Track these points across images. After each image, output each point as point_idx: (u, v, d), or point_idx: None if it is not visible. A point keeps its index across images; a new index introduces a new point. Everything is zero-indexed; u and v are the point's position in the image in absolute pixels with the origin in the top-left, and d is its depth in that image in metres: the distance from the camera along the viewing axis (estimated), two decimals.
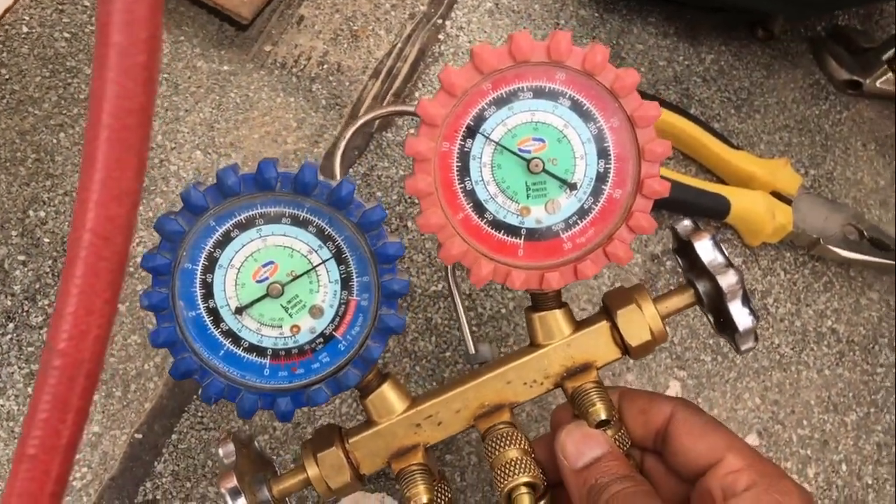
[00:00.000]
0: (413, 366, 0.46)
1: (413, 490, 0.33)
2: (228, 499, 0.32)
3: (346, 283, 0.32)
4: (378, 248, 0.31)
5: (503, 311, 0.47)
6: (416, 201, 0.50)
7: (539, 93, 0.32)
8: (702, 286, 0.35)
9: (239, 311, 0.32)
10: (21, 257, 0.44)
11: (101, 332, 0.20)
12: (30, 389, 0.42)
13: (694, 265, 0.35)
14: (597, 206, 0.33)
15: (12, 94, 0.47)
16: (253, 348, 0.32)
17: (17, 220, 0.45)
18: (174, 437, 0.43)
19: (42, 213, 0.45)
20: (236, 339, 0.32)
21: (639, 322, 0.34)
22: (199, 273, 0.32)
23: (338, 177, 0.40)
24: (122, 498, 0.41)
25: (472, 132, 0.32)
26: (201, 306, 0.32)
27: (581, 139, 0.33)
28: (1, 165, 0.46)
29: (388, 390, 0.35)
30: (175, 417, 0.43)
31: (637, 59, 0.56)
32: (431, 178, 0.32)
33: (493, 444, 0.34)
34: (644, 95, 0.51)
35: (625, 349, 0.35)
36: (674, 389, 0.49)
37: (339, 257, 0.32)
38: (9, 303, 0.43)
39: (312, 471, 0.34)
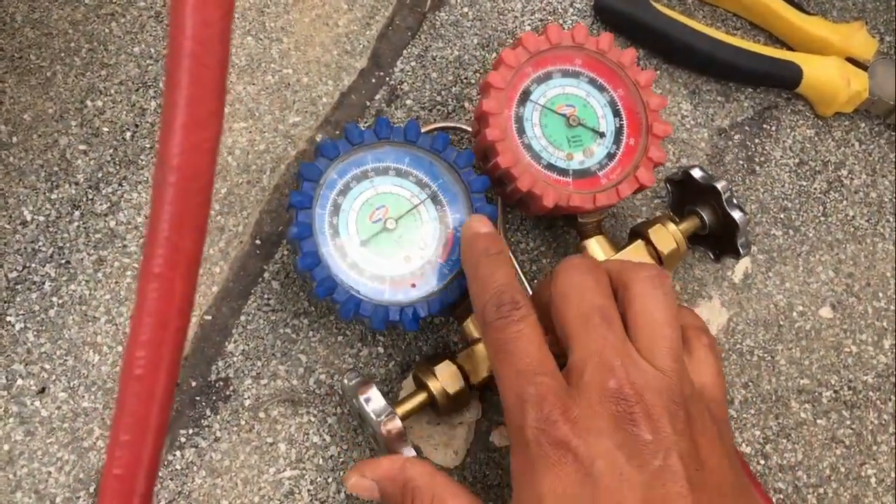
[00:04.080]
0: None
1: None
2: (367, 393, 0.37)
3: (442, 219, 0.41)
4: (471, 181, 0.41)
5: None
6: (472, 82, 0.49)
7: (565, 73, 0.43)
8: (706, 214, 0.44)
9: (363, 244, 0.39)
10: (82, 147, 0.44)
11: (211, 145, 0.19)
12: (99, 275, 0.43)
13: (696, 198, 0.44)
14: (619, 151, 0.42)
15: None
16: (375, 277, 0.39)
17: (76, 111, 0.45)
18: (242, 318, 0.43)
19: (99, 103, 0.45)
20: (360, 269, 0.39)
21: (666, 236, 0.42)
22: (327, 216, 0.39)
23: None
24: (195, 376, 0.42)
25: (523, 101, 0.42)
26: (330, 243, 0.39)
27: (599, 104, 0.43)
28: (56, 56, 0.46)
29: None
30: (242, 300, 0.44)
31: None
32: (504, 127, 0.41)
33: None
34: None
35: (658, 259, 0.42)
36: (743, 264, 0.47)
37: (434, 199, 0.41)
38: (73, 191, 0.44)
39: (433, 383, 0.39)
